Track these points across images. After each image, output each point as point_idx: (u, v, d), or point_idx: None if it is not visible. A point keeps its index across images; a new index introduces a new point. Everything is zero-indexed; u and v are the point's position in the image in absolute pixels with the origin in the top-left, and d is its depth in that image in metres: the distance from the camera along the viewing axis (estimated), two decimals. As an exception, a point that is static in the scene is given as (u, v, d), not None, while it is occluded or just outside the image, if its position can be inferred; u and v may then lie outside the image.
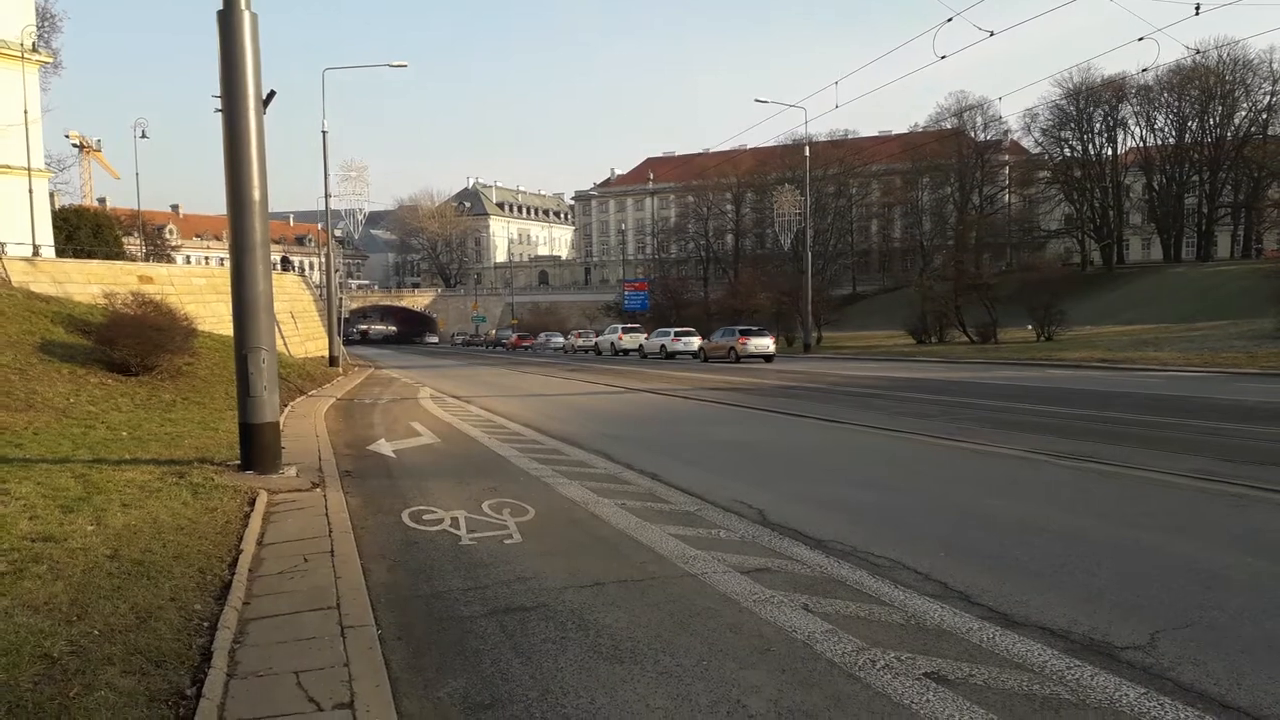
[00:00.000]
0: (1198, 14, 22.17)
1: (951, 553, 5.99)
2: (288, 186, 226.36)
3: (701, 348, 42.74)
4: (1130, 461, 9.44)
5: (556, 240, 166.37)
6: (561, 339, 72.80)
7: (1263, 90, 73.86)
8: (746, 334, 38.46)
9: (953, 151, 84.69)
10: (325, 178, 36.22)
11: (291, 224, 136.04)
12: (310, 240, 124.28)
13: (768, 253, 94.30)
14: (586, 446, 11.66)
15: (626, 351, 52.70)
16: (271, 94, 9.73)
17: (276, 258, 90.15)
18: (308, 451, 11.23)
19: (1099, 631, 4.41)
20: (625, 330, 55.71)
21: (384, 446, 12.31)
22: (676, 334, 46.84)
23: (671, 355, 44.93)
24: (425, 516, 7.49)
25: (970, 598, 4.99)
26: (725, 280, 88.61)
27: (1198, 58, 59.47)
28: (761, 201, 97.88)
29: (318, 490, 8.59)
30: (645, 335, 52.92)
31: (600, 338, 58.48)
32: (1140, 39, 24.46)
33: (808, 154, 53.09)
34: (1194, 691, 3.71)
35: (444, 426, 14.89)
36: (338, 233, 58.53)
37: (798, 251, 63.52)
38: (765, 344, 37.80)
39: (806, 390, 21.63)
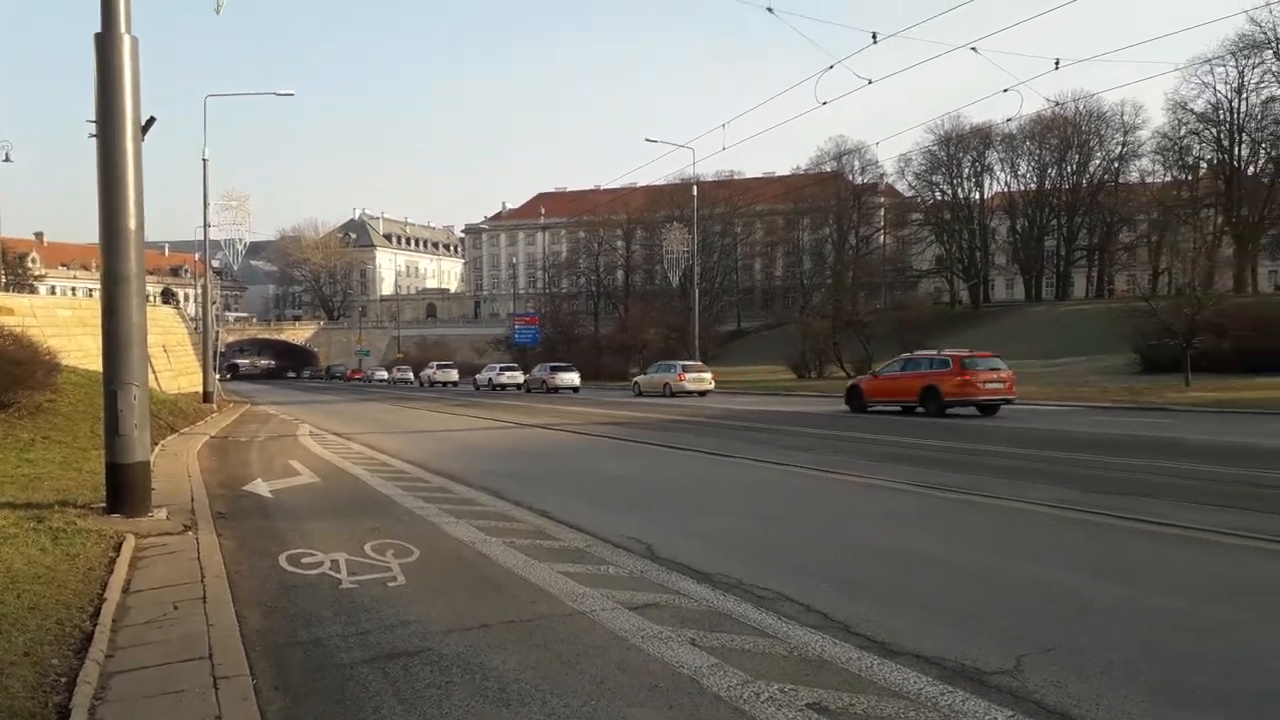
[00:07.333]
0: (1057, 69, 23.67)
1: (833, 583, 6.15)
2: (165, 215, 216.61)
3: (525, 380, 50.47)
4: (997, 492, 9.91)
5: (446, 273, 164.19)
6: (385, 373, 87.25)
7: (1115, 140, 79.40)
8: (556, 369, 47.24)
9: (832, 193, 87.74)
10: (205, 207, 34.73)
11: (167, 254, 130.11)
12: (186, 271, 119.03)
13: (657, 289, 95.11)
14: (474, 484, 11.50)
15: (445, 384, 64.35)
16: (151, 120, 9.33)
17: (157, 290, 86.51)
18: (179, 492, 10.73)
19: (969, 657, 4.59)
20: (440, 367, 69.53)
21: (261, 486, 11.84)
22: (502, 369, 56.06)
23: (497, 387, 52.68)
24: (304, 559, 7.23)
25: (850, 628, 5.13)
26: (616, 315, 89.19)
27: (1057, 109, 63.46)
28: (651, 238, 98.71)
29: (190, 533, 8.20)
30: (456, 372, 67.17)
31: (424, 372, 71.80)
32: (1005, 90, 25.94)
33: (695, 193, 54.21)
34: (1057, 713, 3.89)
35: (324, 465, 14.44)
36: (216, 264, 56.38)
37: (685, 288, 64.46)
38: (571, 378, 46.06)
39: (693, 424, 21.91)
